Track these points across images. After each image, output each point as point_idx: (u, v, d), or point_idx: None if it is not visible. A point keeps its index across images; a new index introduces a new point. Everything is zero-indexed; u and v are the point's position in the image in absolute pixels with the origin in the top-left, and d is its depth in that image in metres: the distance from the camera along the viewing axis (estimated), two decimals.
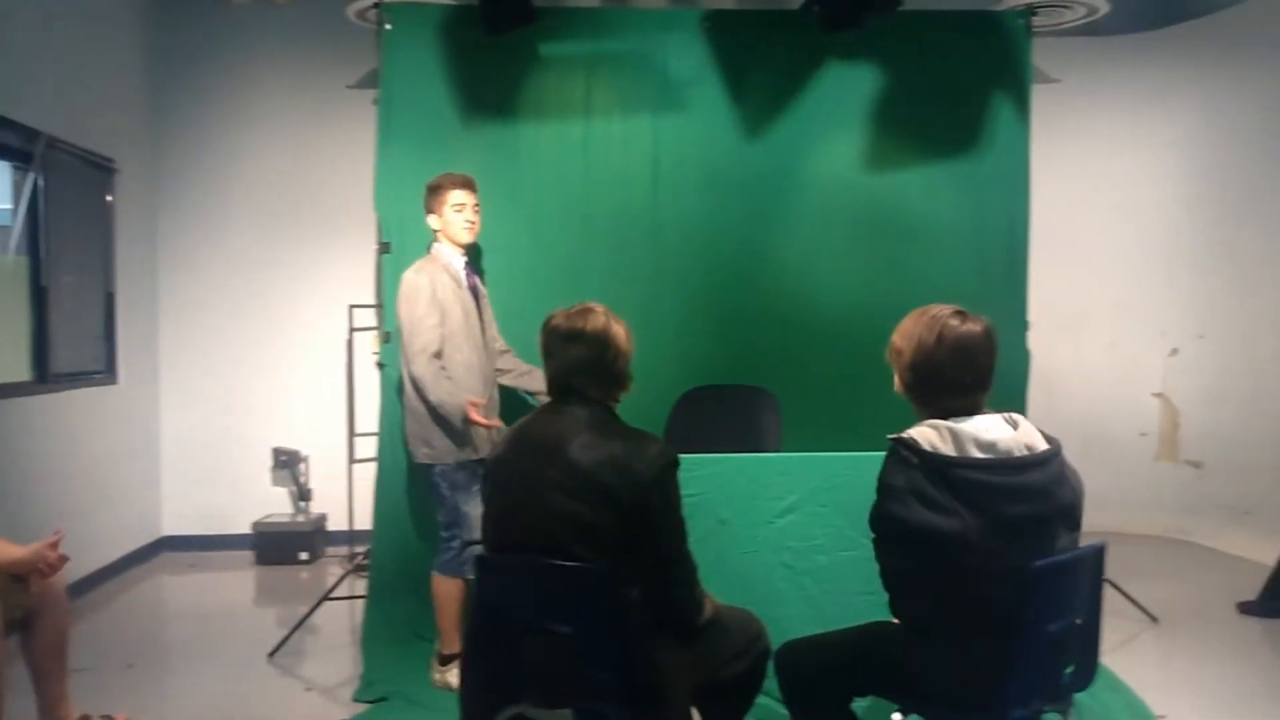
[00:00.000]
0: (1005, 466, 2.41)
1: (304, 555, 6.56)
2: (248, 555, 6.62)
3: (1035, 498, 2.44)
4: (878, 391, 4.77)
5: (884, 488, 2.46)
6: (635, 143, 4.94)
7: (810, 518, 3.38)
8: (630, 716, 2.58)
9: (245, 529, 6.68)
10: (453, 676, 4.10)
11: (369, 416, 5.73)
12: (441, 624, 4.20)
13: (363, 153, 5.30)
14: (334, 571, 6.35)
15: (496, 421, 4.09)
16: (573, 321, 2.72)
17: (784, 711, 2.95)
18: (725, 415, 4.65)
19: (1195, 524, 6.92)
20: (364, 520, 5.65)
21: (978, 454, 2.41)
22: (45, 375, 5.41)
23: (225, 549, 6.76)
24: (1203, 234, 6.89)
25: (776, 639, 2.95)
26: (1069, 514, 2.50)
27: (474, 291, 4.33)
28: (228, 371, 6.89)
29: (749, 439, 4.57)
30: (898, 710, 2.68)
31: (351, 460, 6.36)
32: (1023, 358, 5.08)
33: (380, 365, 4.75)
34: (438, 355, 4.11)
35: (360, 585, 5.16)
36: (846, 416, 4.72)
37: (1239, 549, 6.45)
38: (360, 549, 5.90)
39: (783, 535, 3.39)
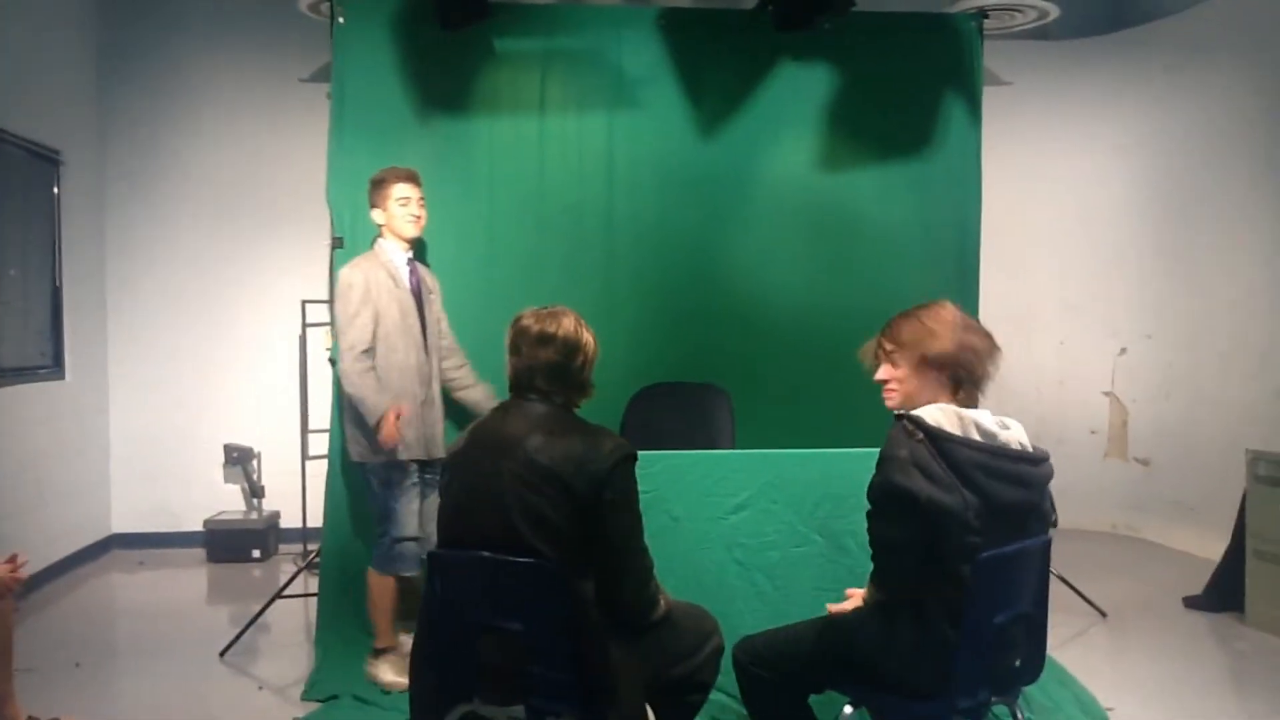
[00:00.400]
0: (1004, 454, 2.50)
1: (256, 553, 6.49)
2: (199, 553, 6.55)
3: (1028, 487, 2.53)
4: (830, 390, 4.88)
5: (886, 458, 2.49)
6: (590, 140, 4.95)
7: (762, 514, 3.40)
8: (582, 714, 2.58)
9: (197, 526, 6.61)
10: (383, 671, 4.14)
11: (322, 412, 5.70)
12: (374, 619, 4.21)
13: (315, 147, 5.25)
14: (287, 569, 6.30)
15: (393, 437, 4.02)
16: (543, 324, 2.73)
17: (739, 708, 2.98)
18: (679, 412, 4.67)
19: (1143, 520, 7.04)
20: (317, 517, 5.59)
21: (977, 437, 2.49)
22: None
23: (176, 546, 6.68)
24: (1152, 236, 7.00)
25: (729, 635, 2.97)
26: (1046, 516, 2.63)
27: (416, 290, 4.28)
28: (178, 367, 6.80)
29: (702, 436, 4.60)
30: (849, 703, 2.69)
31: (305, 457, 6.31)
32: None
33: (333, 361, 4.71)
34: (367, 353, 4.08)
35: (314, 583, 5.11)
36: (799, 414, 4.79)
37: (1185, 544, 6.57)
38: (314, 546, 5.85)
39: (735, 531, 3.41)
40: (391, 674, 4.12)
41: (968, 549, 2.43)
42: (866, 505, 2.55)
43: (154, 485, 6.77)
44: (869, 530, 2.56)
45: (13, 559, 3.41)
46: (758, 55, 5.08)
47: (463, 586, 2.66)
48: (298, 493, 6.34)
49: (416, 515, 4.16)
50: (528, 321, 2.76)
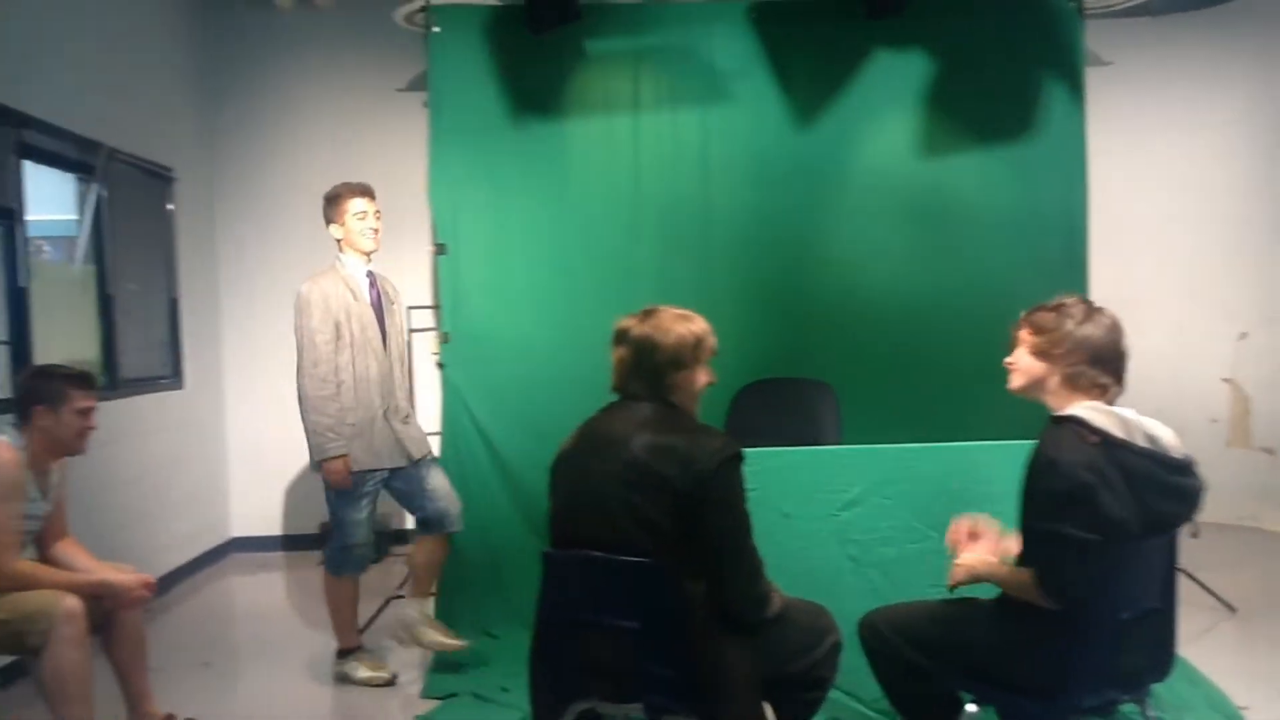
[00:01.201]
0: (1168, 465, 2.44)
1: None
2: (315, 555, 6.70)
3: (1185, 500, 2.47)
4: (935, 380, 4.80)
5: (1059, 461, 2.40)
6: (684, 136, 4.93)
7: (875, 510, 3.35)
8: (698, 712, 2.58)
9: (313, 529, 6.77)
10: (357, 670, 4.34)
11: (429, 416, 5.79)
12: (333, 620, 4.40)
13: (414, 155, 5.34)
14: (400, 570, 6.41)
15: (341, 484, 4.16)
16: (644, 324, 2.74)
17: (858, 705, 2.95)
18: (783, 409, 4.63)
19: (1269, 511, 6.77)
20: None
21: (1144, 443, 2.43)
22: (114, 381, 5.52)
23: (293, 549, 6.86)
24: (1269, 215, 6.73)
25: (845, 633, 2.93)
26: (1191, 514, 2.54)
27: (376, 302, 4.34)
28: (289, 374, 6.95)
29: (808, 432, 4.55)
30: (971, 700, 2.64)
31: None
32: None
33: (440, 365, 4.79)
34: (327, 375, 4.19)
35: None
36: (905, 408, 4.71)
37: None
38: None
39: (847, 528, 3.36)
40: (366, 670, 4.33)
41: (1123, 558, 2.38)
42: (1036, 504, 2.47)
43: (271, 490, 6.96)
44: (1039, 530, 2.45)
45: (149, 580, 3.55)
46: (850, 43, 5.01)
47: (574, 586, 2.68)
48: None
49: (366, 524, 4.29)
50: (629, 322, 2.77)
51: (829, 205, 4.97)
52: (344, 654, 4.38)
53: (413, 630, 4.39)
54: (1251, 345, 6.88)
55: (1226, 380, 7.01)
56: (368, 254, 4.35)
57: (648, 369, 2.71)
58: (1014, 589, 2.53)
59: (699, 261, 4.86)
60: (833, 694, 2.99)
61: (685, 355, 2.74)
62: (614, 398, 2.79)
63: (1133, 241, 6.90)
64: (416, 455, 4.35)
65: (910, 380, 4.78)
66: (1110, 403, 2.53)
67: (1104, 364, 2.52)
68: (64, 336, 5.18)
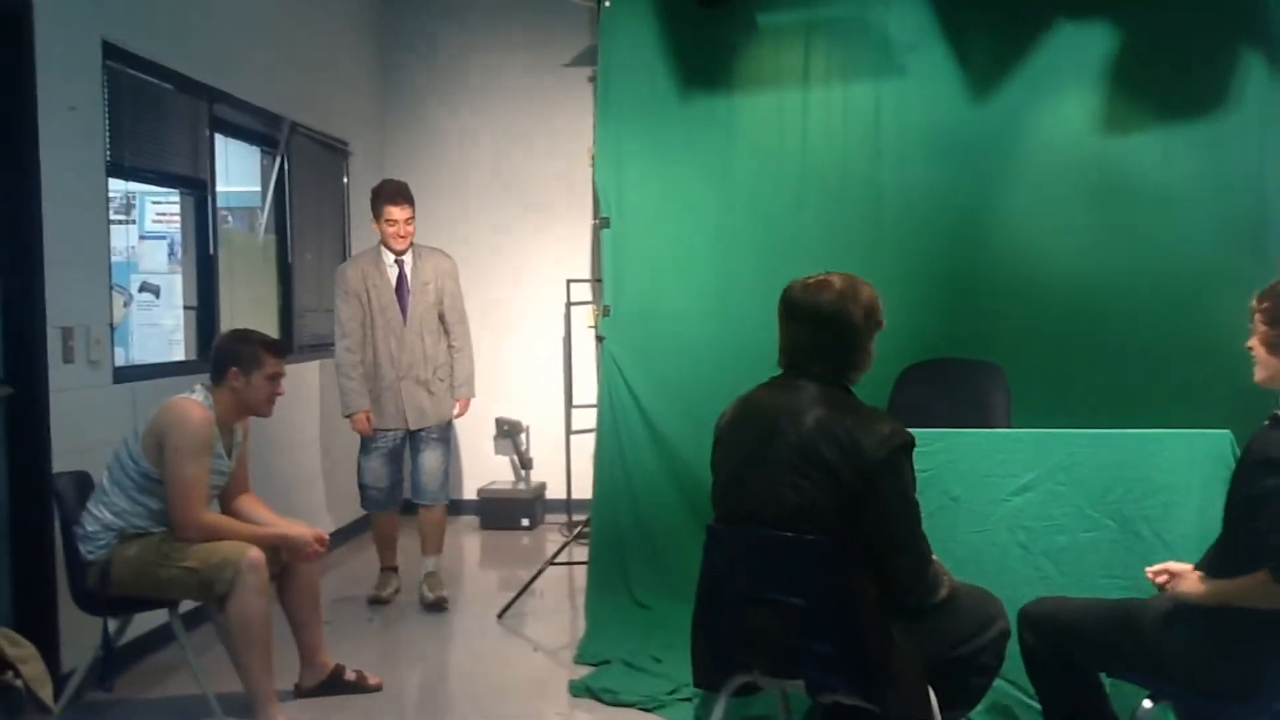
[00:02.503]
0: None
1: (525, 521, 6.79)
2: (473, 520, 6.91)
3: None
4: (1110, 365, 4.60)
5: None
6: (856, 110, 4.82)
7: (1048, 497, 3.23)
8: (860, 692, 2.55)
9: (472, 495, 6.97)
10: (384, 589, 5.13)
11: (585, 388, 5.88)
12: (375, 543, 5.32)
13: (578, 129, 5.40)
14: (553, 537, 6.56)
15: (364, 432, 5.04)
16: (808, 295, 2.66)
17: (1023, 696, 2.87)
18: (951, 390, 4.50)
19: None
20: (580, 489, 5.80)
21: None
22: (292, 346, 5.77)
23: (454, 514, 7.05)
24: None
25: (1013, 620, 2.86)
26: None
27: (399, 285, 5.03)
28: None
29: (976, 415, 4.41)
30: (1148, 697, 2.53)
31: (569, 431, 6.52)
32: None
33: (599, 338, 4.84)
34: (354, 344, 4.98)
35: (579, 552, 5.30)
36: (1078, 391, 4.53)
37: None
38: (578, 516, 6.06)
39: (1018, 514, 3.25)
40: (430, 594, 5.03)
41: None
42: (1259, 502, 2.32)
43: None
44: (1269, 523, 2.30)
45: (323, 536, 3.72)
46: (1029, 13, 4.79)
47: (739, 560, 2.67)
48: (562, 465, 6.56)
49: (378, 470, 5.06)
50: (794, 292, 2.70)
51: (1004, 182, 4.79)
52: (384, 570, 5.22)
53: (419, 589, 5.06)
54: None
55: None
56: (397, 252, 5.04)
57: (833, 345, 2.64)
58: (1246, 598, 2.36)
59: (867, 239, 4.74)
60: (997, 682, 2.91)
61: (872, 329, 2.69)
62: (771, 373, 2.75)
63: None
64: (414, 425, 5.03)
65: (1085, 363, 4.58)
66: None
67: None
68: (247, 303, 5.44)
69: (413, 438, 5.10)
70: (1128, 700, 2.69)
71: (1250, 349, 2.50)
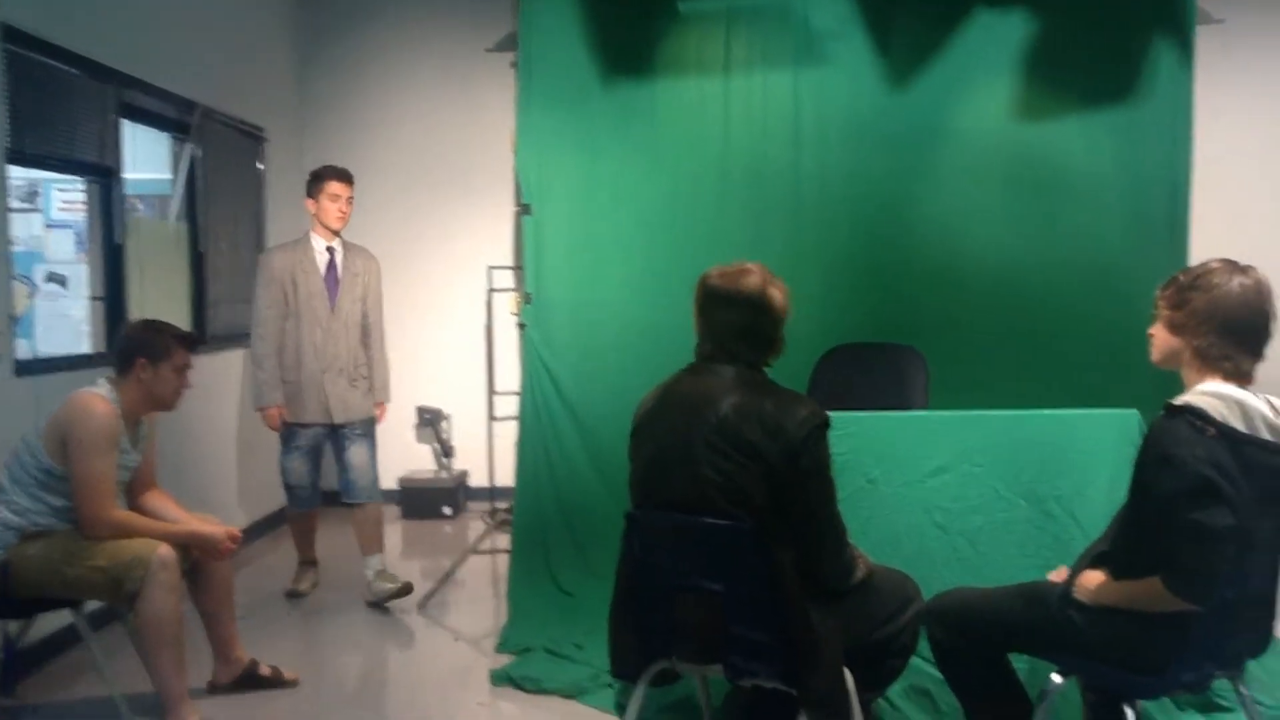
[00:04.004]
0: None
1: (447, 510, 6.73)
2: (394, 510, 6.82)
3: None
4: (1029, 351, 4.68)
5: (1175, 457, 2.28)
6: (776, 98, 4.83)
7: (964, 478, 3.27)
8: (782, 676, 2.56)
9: (393, 484, 6.88)
10: (376, 588, 4.86)
11: (507, 375, 5.83)
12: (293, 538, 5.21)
13: (500, 116, 5.33)
14: (476, 526, 6.50)
15: (273, 427, 4.91)
16: (729, 283, 2.68)
17: (936, 674, 2.90)
18: (871, 374, 4.54)
19: None
20: (503, 477, 5.76)
21: (1266, 435, 2.32)
22: (205, 336, 5.63)
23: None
24: None
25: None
26: None
27: (329, 275, 4.90)
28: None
29: (895, 398, 4.45)
30: (1056, 671, 2.58)
31: (491, 418, 6.46)
32: None
33: (521, 325, 4.80)
34: (268, 335, 4.84)
35: (502, 540, 5.26)
36: (997, 377, 4.59)
37: None
38: (501, 504, 6.02)
39: (935, 495, 3.29)
40: (306, 584, 5.06)
41: (1238, 551, 2.30)
42: (1155, 504, 2.34)
43: None
44: (1169, 527, 2.29)
45: (236, 533, 3.64)
46: (949, 2, 4.86)
47: (659, 547, 2.67)
48: (484, 453, 6.51)
49: (302, 468, 4.92)
50: (713, 281, 2.72)
51: (924, 169, 4.83)
52: (302, 564, 5.14)
53: (369, 586, 4.87)
54: None
55: None
56: (334, 232, 4.91)
57: (757, 331, 2.66)
58: (1141, 602, 2.39)
59: (788, 225, 4.76)
60: (914, 662, 2.96)
61: (786, 316, 2.71)
62: (693, 360, 2.75)
63: (1237, 210, 6.65)
64: (338, 420, 4.88)
65: (1003, 348, 4.66)
66: (1246, 380, 2.41)
67: (1236, 335, 2.39)
68: (157, 292, 5.29)
69: (335, 435, 4.94)
70: (1036, 684, 2.73)
71: (1151, 335, 2.55)
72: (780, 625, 2.51)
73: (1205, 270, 2.45)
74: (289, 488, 4.97)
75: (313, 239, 4.93)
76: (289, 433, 4.89)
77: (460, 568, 5.07)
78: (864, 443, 3.32)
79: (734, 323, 2.66)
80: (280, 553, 5.89)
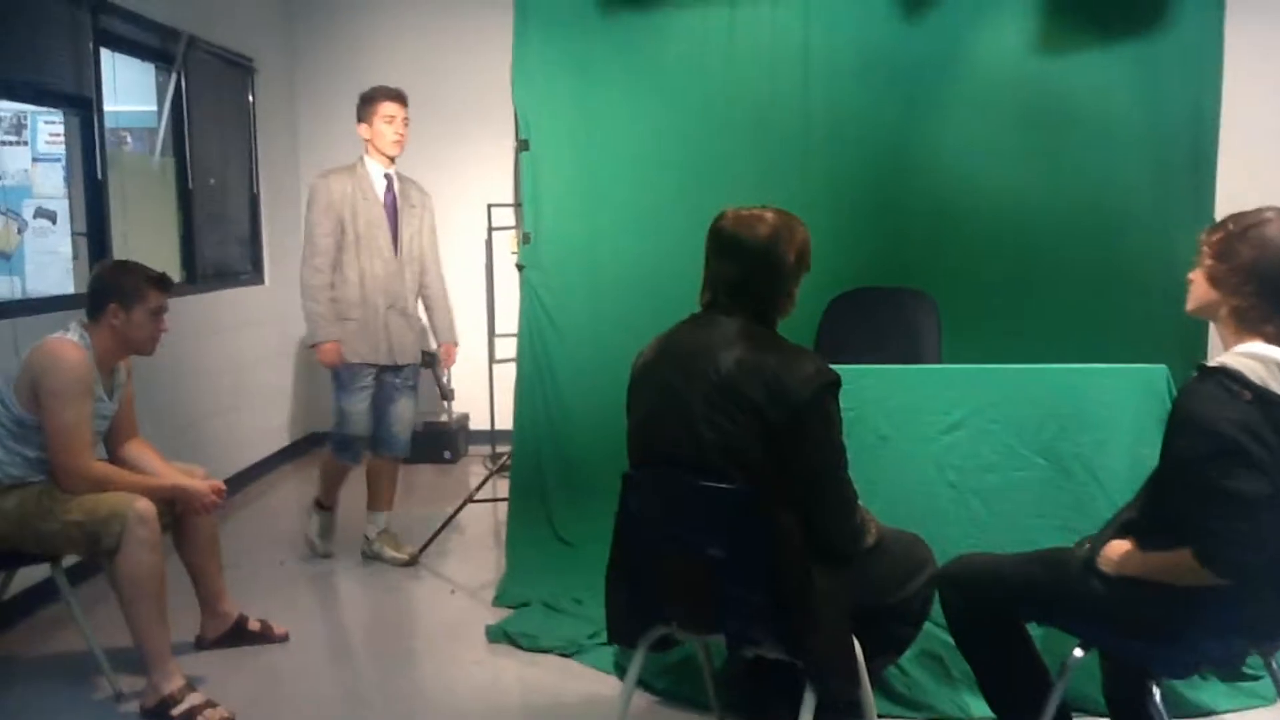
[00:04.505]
0: None
1: (447, 454, 6.60)
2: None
3: None
4: (1044, 293, 4.50)
5: (1206, 418, 2.14)
6: (785, 27, 4.57)
7: (978, 434, 3.10)
8: (782, 642, 2.43)
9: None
10: (378, 548, 4.66)
11: (508, 317, 5.67)
12: (320, 482, 4.80)
13: (498, 47, 5.09)
14: (476, 470, 6.40)
15: (332, 364, 4.48)
16: (737, 230, 2.50)
17: (949, 639, 2.78)
18: (881, 320, 4.38)
19: None
20: (504, 420, 5.62)
21: None
22: (194, 276, 5.48)
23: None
24: None
25: (942, 561, 2.76)
26: None
27: (390, 204, 4.52)
28: None
29: (906, 345, 4.30)
30: (1078, 645, 2.44)
31: (492, 360, 6.33)
32: None
33: (520, 266, 4.63)
34: (326, 268, 4.43)
35: (503, 487, 5.12)
36: (1010, 322, 4.43)
37: None
38: (502, 448, 5.89)
39: (948, 453, 3.12)
40: (391, 550, 4.66)
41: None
42: (1181, 469, 2.20)
43: None
44: (1195, 493, 2.17)
45: (220, 487, 3.51)
46: None
47: (657, 507, 2.53)
48: (485, 396, 6.38)
49: (364, 415, 4.55)
50: (724, 224, 2.53)
51: (937, 104, 4.60)
52: (320, 508, 4.77)
53: (370, 543, 4.69)
54: None
55: None
56: (390, 158, 4.55)
57: (761, 285, 2.49)
58: (1169, 574, 2.24)
59: (794, 163, 4.54)
60: (927, 627, 2.82)
61: (800, 272, 2.54)
62: (694, 300, 2.58)
63: (1268, 151, 6.40)
64: (400, 361, 4.59)
65: (1017, 292, 4.46)
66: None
67: (1275, 298, 2.21)
68: (143, 230, 5.12)
69: (383, 381, 4.60)
70: (1055, 654, 2.59)
71: (1190, 280, 2.37)
72: (780, 591, 2.37)
73: (1259, 220, 2.25)
74: (345, 438, 4.57)
75: (369, 165, 4.53)
76: (350, 374, 4.50)
77: (459, 515, 4.94)
78: (875, 397, 3.15)
79: (731, 275, 2.49)
80: (275, 497, 5.79)
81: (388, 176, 4.54)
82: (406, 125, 4.57)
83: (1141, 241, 4.36)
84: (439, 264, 4.81)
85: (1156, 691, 2.35)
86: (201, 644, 3.66)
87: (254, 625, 3.72)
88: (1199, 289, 2.35)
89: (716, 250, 2.54)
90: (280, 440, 6.57)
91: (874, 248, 4.57)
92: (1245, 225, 2.26)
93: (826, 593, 2.42)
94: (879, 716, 2.80)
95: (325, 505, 4.78)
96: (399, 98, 4.55)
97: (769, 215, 2.53)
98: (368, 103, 4.55)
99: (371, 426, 4.60)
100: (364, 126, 4.54)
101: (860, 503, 2.54)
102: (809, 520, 2.41)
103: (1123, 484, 3.00)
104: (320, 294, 4.43)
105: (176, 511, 3.46)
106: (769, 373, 2.35)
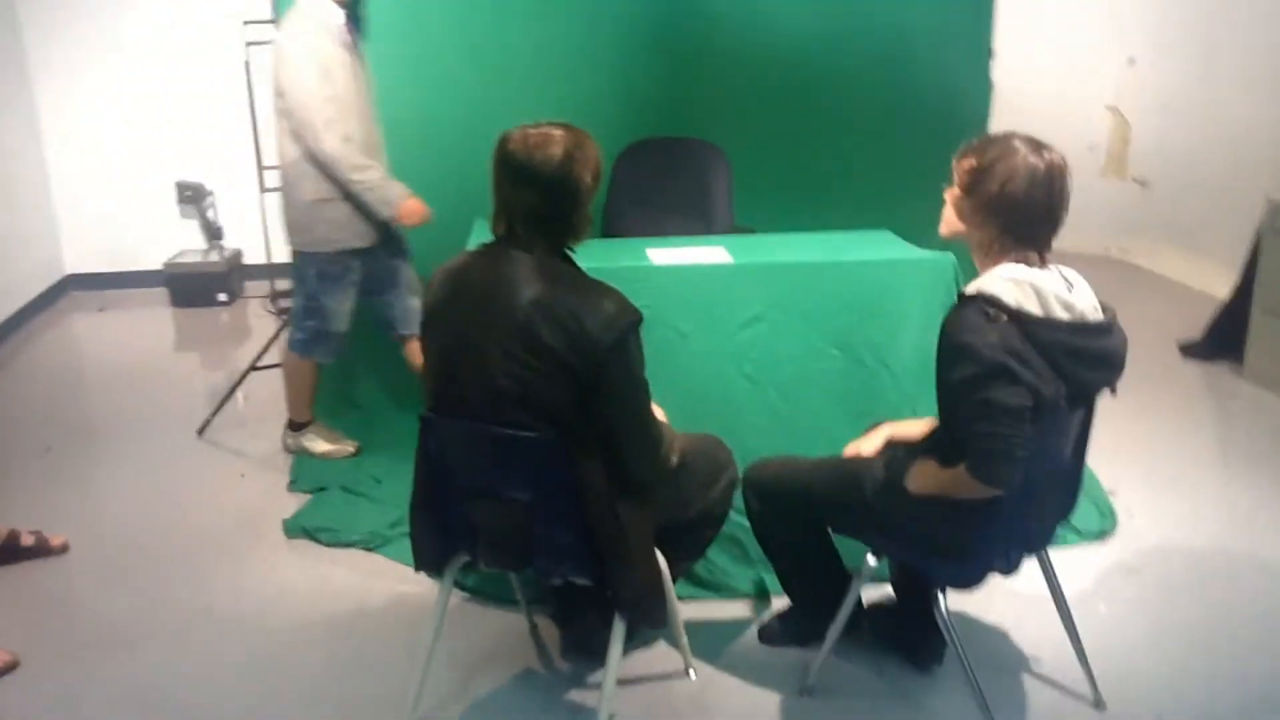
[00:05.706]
0: (1088, 330, 2.25)
1: (222, 296, 6.23)
2: (161, 294, 6.28)
3: (1112, 364, 2.32)
4: (836, 147, 4.48)
5: (968, 345, 2.17)
6: None
7: (776, 329, 3.10)
8: (593, 578, 2.46)
9: (157, 266, 6.30)
10: (314, 443, 4.15)
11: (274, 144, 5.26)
12: (289, 396, 4.16)
13: None
14: (256, 312, 6.10)
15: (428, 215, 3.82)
16: (527, 153, 2.31)
17: (747, 523, 2.88)
18: (672, 172, 4.30)
19: (1137, 244, 6.86)
20: (282, 253, 5.30)
21: (1062, 314, 2.22)
22: None
23: (136, 287, 6.41)
24: None
25: (740, 455, 2.82)
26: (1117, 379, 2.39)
27: (359, 60, 3.77)
28: (114, 101, 6.25)
29: (698, 198, 4.27)
30: (870, 552, 2.57)
31: (262, 190, 5.91)
32: (985, 90, 4.68)
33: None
34: (346, 130, 3.67)
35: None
36: (802, 176, 4.44)
37: (1179, 273, 6.44)
38: (281, 284, 5.59)
39: (747, 348, 3.11)
40: (324, 444, 4.15)
41: (1048, 435, 2.26)
42: (952, 393, 2.25)
43: (107, 226, 6.43)
44: (962, 412, 2.22)
45: None
46: None
47: (457, 452, 2.45)
48: (259, 229, 6.01)
49: (348, 312, 3.96)
50: (512, 147, 2.34)
51: None
52: (296, 427, 4.17)
53: (300, 439, 4.19)
54: (1138, 73, 6.70)
55: (1110, 108, 6.88)
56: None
57: (557, 213, 2.35)
58: (951, 489, 2.32)
59: (582, 6, 4.25)
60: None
61: (595, 190, 2.41)
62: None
63: None
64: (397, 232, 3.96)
65: (809, 145, 4.45)
66: (1039, 262, 2.28)
67: (1019, 232, 2.25)
68: None
69: (379, 256, 3.96)
70: (853, 557, 2.72)
71: (945, 201, 2.38)
72: (587, 531, 2.37)
73: (1005, 151, 2.24)
74: (327, 335, 3.95)
75: (328, 13, 3.66)
76: (343, 266, 3.85)
77: (243, 378, 4.66)
78: (672, 294, 3.09)
79: (530, 204, 2.33)
80: (33, 358, 5.35)
81: (349, 21, 3.72)
82: None
83: (937, 74, 4.41)
84: None
85: (942, 598, 2.50)
86: None
87: (27, 540, 3.45)
88: (949, 218, 2.39)
89: (509, 177, 2.35)
90: (35, 286, 6.06)
91: (664, 95, 4.45)
92: (992, 157, 2.26)
93: (633, 523, 2.43)
94: (680, 599, 2.89)
95: (302, 421, 4.17)
96: None
97: (558, 134, 2.35)
98: None
99: (381, 311, 4.07)
100: None
101: (659, 413, 2.52)
102: (615, 458, 2.39)
103: (912, 372, 3.12)
104: (359, 157, 3.68)
105: None
106: (569, 315, 2.25)
